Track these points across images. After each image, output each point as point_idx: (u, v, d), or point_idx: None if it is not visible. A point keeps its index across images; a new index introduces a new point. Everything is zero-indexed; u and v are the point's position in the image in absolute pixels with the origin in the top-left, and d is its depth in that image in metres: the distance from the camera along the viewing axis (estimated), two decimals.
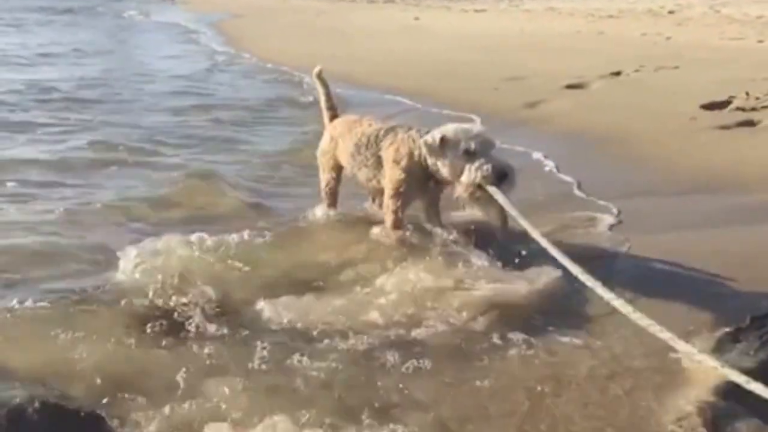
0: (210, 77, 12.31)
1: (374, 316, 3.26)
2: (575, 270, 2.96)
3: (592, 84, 9.00)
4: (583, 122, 7.21)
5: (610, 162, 5.99)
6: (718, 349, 2.82)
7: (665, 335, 2.48)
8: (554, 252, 3.14)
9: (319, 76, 4.75)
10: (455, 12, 24.53)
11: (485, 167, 3.67)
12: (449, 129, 3.88)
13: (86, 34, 20.73)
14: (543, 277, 3.51)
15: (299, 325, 3.21)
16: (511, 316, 3.26)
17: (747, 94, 7.13)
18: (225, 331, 3.16)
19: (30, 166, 5.94)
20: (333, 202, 4.60)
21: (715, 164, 5.54)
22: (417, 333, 3.14)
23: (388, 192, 4.09)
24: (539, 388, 2.73)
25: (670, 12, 17.85)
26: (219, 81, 11.89)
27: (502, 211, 3.71)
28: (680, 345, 2.48)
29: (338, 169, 4.53)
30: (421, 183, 4.03)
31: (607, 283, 2.90)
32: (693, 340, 2.78)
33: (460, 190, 3.77)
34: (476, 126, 4.03)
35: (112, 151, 6.53)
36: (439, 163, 3.87)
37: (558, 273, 3.41)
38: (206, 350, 2.98)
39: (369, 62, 12.33)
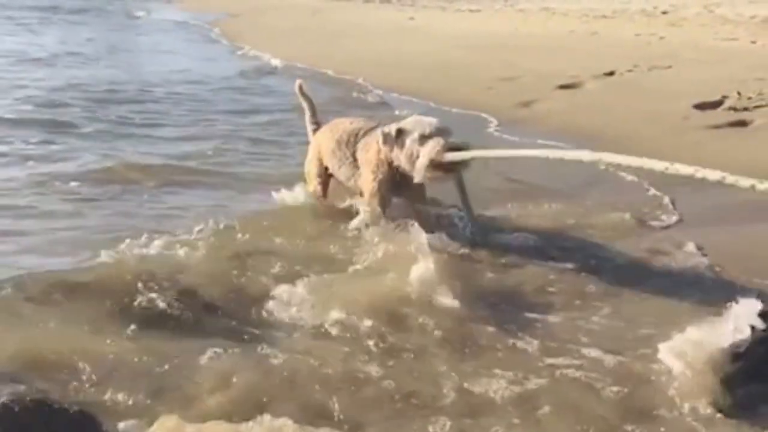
0: (259, 79, 11.66)
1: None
2: (555, 153, 3.24)
3: (586, 84, 8.96)
4: (576, 122, 7.18)
5: None
6: None
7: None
8: (532, 152, 3.48)
9: (301, 90, 4.72)
10: (450, 12, 24.46)
11: (437, 140, 3.73)
12: (407, 121, 3.97)
13: (105, 33, 20.38)
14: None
15: (296, 317, 3.20)
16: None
17: (739, 94, 7.10)
18: (219, 325, 3.13)
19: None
20: (322, 203, 4.55)
21: (706, 163, 5.48)
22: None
23: (365, 193, 4.12)
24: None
25: (664, 12, 17.81)
26: (267, 83, 11.23)
27: (461, 185, 3.94)
28: None
29: (325, 175, 4.47)
30: (395, 180, 4.03)
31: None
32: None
33: (418, 169, 3.78)
34: (435, 119, 4.04)
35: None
36: (398, 152, 3.90)
37: None
38: (200, 345, 2.92)
39: (364, 63, 12.27)
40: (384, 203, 4.07)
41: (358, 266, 3.66)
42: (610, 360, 2.93)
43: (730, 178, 2.74)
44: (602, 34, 14.20)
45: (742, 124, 6.41)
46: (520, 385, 2.75)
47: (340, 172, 4.29)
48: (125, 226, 4.22)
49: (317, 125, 4.65)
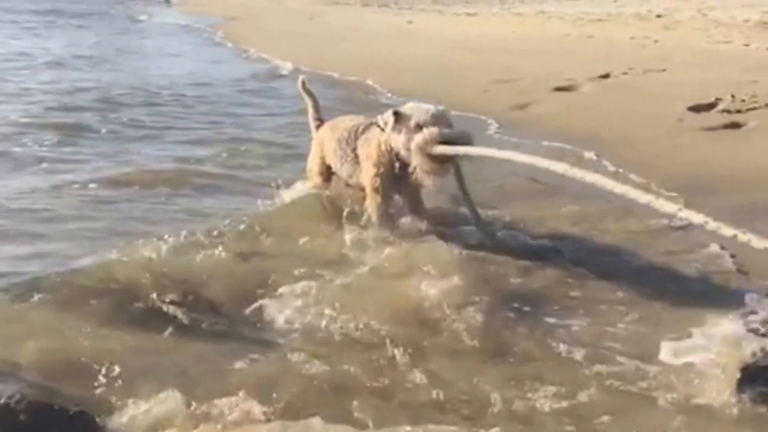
0: (269, 82, 11.61)
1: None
2: (556, 166, 3.15)
3: (582, 86, 8.98)
4: (571, 124, 7.19)
5: None
6: None
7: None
8: (527, 158, 3.35)
9: (305, 87, 4.72)
10: (447, 16, 24.50)
11: (432, 130, 3.64)
12: (405, 106, 3.92)
13: (110, 37, 20.28)
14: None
15: (296, 318, 3.16)
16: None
17: (733, 96, 7.12)
18: (217, 326, 3.11)
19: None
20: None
21: (701, 165, 5.53)
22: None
23: (366, 189, 4.07)
24: None
25: (658, 16, 17.84)
26: (278, 86, 11.11)
27: (461, 182, 3.83)
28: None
29: (328, 172, 4.48)
30: (395, 174, 3.98)
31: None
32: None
33: (413, 161, 3.72)
34: (433, 105, 3.96)
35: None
36: (395, 138, 3.86)
37: None
38: (197, 345, 2.92)
39: (364, 65, 12.29)
40: (386, 198, 4.03)
41: (373, 268, 3.58)
42: (649, 367, 2.80)
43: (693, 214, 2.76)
44: (597, 38, 14.22)
45: (736, 126, 6.43)
46: (569, 396, 2.61)
47: (342, 169, 4.30)
48: (139, 229, 4.21)
49: (320, 121, 4.67)
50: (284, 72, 12.58)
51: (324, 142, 4.43)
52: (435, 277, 3.42)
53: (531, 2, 28.60)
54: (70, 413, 2.43)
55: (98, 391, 2.61)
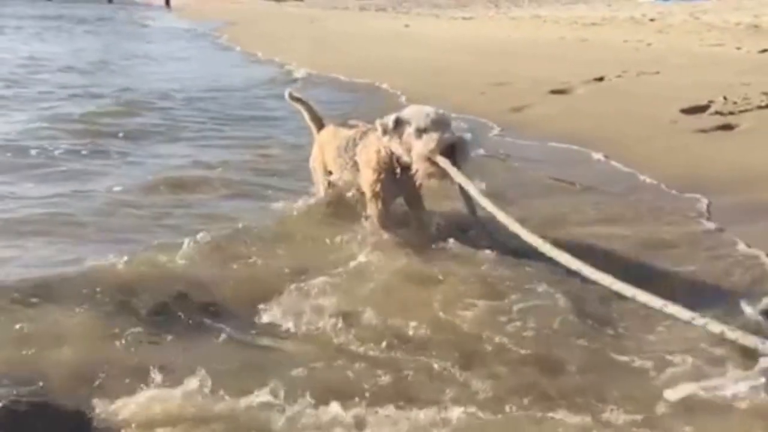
0: (285, 86, 11.19)
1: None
2: (533, 240, 3.14)
3: (576, 89, 9.02)
4: (567, 126, 7.22)
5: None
6: None
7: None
8: (505, 219, 3.33)
9: (293, 97, 4.74)
10: (444, 20, 24.54)
11: (433, 137, 3.61)
12: (405, 111, 3.86)
13: (120, 42, 20.23)
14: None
15: (297, 318, 3.13)
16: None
17: (725, 98, 7.16)
18: (216, 327, 3.09)
19: None
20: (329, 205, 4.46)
21: (695, 165, 5.56)
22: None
23: (367, 195, 4.04)
24: None
25: (652, 20, 17.90)
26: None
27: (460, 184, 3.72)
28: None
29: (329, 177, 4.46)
30: (395, 178, 3.94)
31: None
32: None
33: (414, 166, 3.70)
34: (433, 108, 3.88)
35: None
36: (396, 144, 3.82)
37: None
38: (197, 346, 2.91)
39: (357, 68, 12.32)
40: (387, 202, 4.01)
41: (374, 273, 3.53)
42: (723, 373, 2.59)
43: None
44: (592, 41, 14.28)
45: (729, 127, 6.47)
46: (643, 409, 2.43)
47: (344, 176, 4.27)
48: (154, 232, 4.21)
49: (319, 122, 4.65)
50: (298, 76, 12.52)
51: (325, 149, 4.41)
52: (440, 281, 3.40)
53: (526, 6, 28.68)
54: (68, 413, 2.41)
55: (98, 390, 2.59)
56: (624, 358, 2.81)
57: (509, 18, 22.87)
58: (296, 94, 4.77)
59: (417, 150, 3.63)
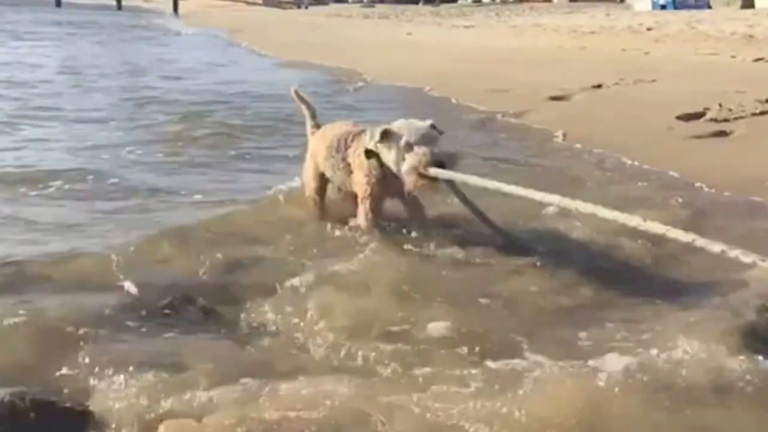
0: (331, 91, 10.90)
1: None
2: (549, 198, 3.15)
3: (575, 96, 9.01)
4: (566, 132, 7.21)
5: None
6: None
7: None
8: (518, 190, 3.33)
9: (298, 94, 4.62)
10: (445, 27, 24.53)
11: (422, 151, 3.56)
12: (394, 123, 3.80)
13: (147, 48, 19.97)
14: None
15: (296, 317, 3.08)
16: None
17: (720, 105, 7.15)
18: (216, 324, 3.06)
19: None
20: (321, 207, 4.40)
21: (691, 170, 5.55)
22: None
23: (359, 197, 3.98)
24: None
25: (649, 29, 17.89)
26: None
27: (456, 191, 3.71)
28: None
29: (322, 179, 4.35)
30: (386, 181, 3.88)
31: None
32: None
33: (404, 180, 3.65)
34: (422, 122, 3.80)
35: None
36: (385, 156, 3.77)
37: None
38: (198, 344, 2.87)
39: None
40: (378, 205, 3.95)
41: (368, 276, 3.44)
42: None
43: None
44: (590, 49, 14.26)
45: (724, 134, 6.47)
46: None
47: (335, 177, 4.19)
48: (155, 222, 4.22)
49: (317, 128, 4.52)
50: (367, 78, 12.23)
51: (316, 150, 4.30)
52: (437, 280, 3.38)
53: (526, 15, 28.68)
54: (73, 411, 2.35)
55: (97, 388, 2.54)
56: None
57: (510, 26, 22.87)
58: (301, 93, 4.66)
59: (407, 163, 3.59)
